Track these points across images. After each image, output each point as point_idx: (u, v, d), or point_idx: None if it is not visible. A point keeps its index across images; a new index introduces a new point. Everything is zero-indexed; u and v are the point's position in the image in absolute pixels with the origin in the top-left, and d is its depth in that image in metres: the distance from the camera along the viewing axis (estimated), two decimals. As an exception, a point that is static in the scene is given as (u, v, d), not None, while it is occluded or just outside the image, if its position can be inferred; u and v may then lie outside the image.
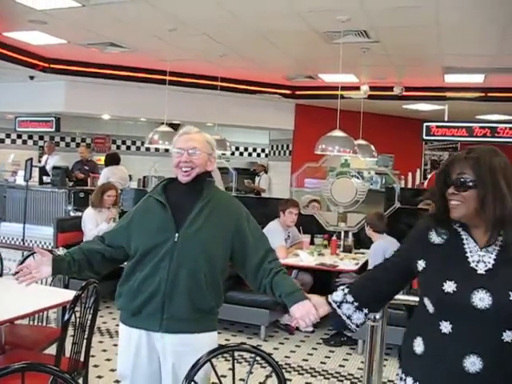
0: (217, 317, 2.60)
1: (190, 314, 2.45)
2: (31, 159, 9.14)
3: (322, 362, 5.03)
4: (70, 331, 3.13)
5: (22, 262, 4.16)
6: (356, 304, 2.14)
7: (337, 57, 6.60)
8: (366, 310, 2.16)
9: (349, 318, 2.15)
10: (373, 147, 8.51)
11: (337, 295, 2.18)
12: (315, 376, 4.70)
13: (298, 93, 10.63)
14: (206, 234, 2.49)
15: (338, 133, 6.07)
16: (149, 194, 2.66)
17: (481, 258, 1.81)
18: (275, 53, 7.72)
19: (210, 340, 2.50)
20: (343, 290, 2.18)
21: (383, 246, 5.47)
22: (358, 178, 6.90)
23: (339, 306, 2.15)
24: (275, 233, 5.85)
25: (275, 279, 2.51)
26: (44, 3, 5.77)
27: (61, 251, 4.59)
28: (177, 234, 2.46)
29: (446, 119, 9.90)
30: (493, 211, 1.73)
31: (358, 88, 8.68)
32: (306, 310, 2.33)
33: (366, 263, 5.59)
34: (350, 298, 2.15)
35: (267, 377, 2.26)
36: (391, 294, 2.26)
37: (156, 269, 2.45)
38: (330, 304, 2.19)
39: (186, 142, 2.56)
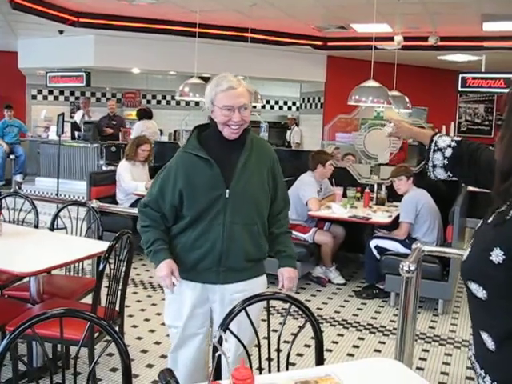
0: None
1: (246, 264, 2.54)
2: (63, 114, 9.19)
3: (354, 314, 5.04)
4: (105, 282, 3.17)
5: (56, 215, 4.23)
6: (446, 162, 2.02)
7: (370, 5, 6.39)
8: (450, 174, 2.05)
9: (433, 166, 2.05)
10: (407, 98, 8.31)
11: (443, 140, 2.04)
12: (347, 328, 4.72)
13: (329, 44, 10.37)
14: (254, 187, 2.52)
15: (371, 83, 5.93)
16: (184, 150, 2.54)
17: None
18: (306, 1, 7.51)
19: (262, 283, 2.67)
20: (453, 140, 2.04)
21: (416, 198, 5.41)
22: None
23: (435, 151, 2.04)
24: (309, 185, 5.81)
25: (282, 237, 2.71)
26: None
27: (94, 203, 4.63)
28: (227, 190, 2.44)
29: (483, 70, 9.59)
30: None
31: (391, 38, 8.41)
32: (293, 276, 2.67)
33: (398, 216, 5.51)
34: (447, 153, 2.02)
35: (301, 327, 2.25)
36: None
37: (210, 226, 2.46)
38: (431, 141, 2.06)
39: (236, 98, 2.39)
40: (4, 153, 10.52)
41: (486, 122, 14.61)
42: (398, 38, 8.13)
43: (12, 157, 10.48)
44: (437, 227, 5.39)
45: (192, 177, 2.47)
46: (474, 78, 8.78)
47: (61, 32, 9.48)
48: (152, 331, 4.47)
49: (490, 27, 8.53)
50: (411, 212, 5.33)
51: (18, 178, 10.61)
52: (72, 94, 12.71)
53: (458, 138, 2.06)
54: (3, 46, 11.31)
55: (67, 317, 1.91)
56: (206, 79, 10.32)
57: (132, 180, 6.43)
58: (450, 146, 2.01)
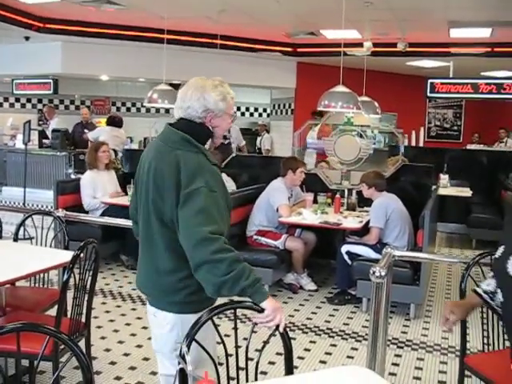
0: None
1: None
2: (29, 122, 9.00)
3: (326, 321, 5.01)
4: (73, 293, 3.08)
5: (20, 225, 4.12)
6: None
7: (339, 11, 6.40)
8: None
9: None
10: (376, 104, 8.35)
11: (488, 284, 2.08)
12: (319, 334, 4.68)
13: (299, 50, 10.41)
14: None
15: (341, 88, 5.93)
16: (212, 162, 2.25)
17: None
18: (275, 7, 7.50)
19: None
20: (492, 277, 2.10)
21: (385, 203, 5.42)
22: (361, 135, 6.78)
23: (492, 298, 2.08)
24: (279, 191, 5.78)
25: None
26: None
27: (60, 212, 4.51)
28: None
29: (450, 76, 9.70)
30: None
31: (360, 45, 8.47)
32: None
33: (369, 221, 5.51)
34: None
35: (271, 335, 2.20)
36: None
37: None
38: (480, 296, 2.11)
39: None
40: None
41: (455, 127, 14.83)
42: (368, 43, 8.19)
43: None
44: (407, 232, 5.40)
45: (222, 192, 2.26)
46: (442, 84, 8.86)
47: (27, 38, 9.33)
48: (121, 342, 4.37)
49: (456, 34, 8.66)
50: (381, 217, 5.34)
51: None
52: (40, 101, 12.52)
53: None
54: (-33, 53, 11.08)
55: (25, 331, 1.82)
56: (176, 86, 10.28)
57: (92, 194, 6.36)
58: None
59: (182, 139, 2.22)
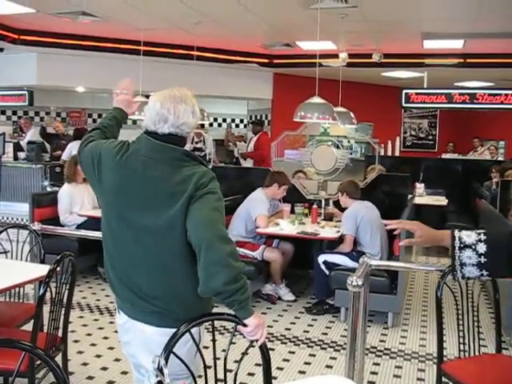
0: None
1: None
2: (3, 134, 8.94)
3: (304, 331, 5.02)
4: (49, 307, 3.05)
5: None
6: (483, 260, 1.84)
7: (314, 23, 6.47)
8: (486, 273, 1.86)
9: (461, 265, 1.86)
10: (352, 114, 8.44)
11: (468, 235, 1.86)
12: (298, 344, 4.69)
13: (275, 61, 10.49)
14: None
15: (316, 99, 5.98)
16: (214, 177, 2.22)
17: None
18: (251, 19, 7.55)
19: None
20: (479, 234, 1.87)
21: (356, 209, 5.50)
22: (337, 146, 6.84)
23: (461, 249, 1.85)
24: (260, 202, 5.79)
25: None
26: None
27: (36, 226, 4.46)
28: None
29: (425, 86, 9.85)
30: None
31: (336, 56, 8.57)
32: None
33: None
34: (481, 249, 1.85)
35: (249, 347, 2.21)
36: None
37: None
38: (453, 238, 1.88)
39: None
40: None
41: (430, 137, 15.04)
42: (343, 55, 8.29)
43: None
44: (379, 237, 5.43)
45: None
46: (417, 94, 8.99)
47: (1, 50, 9.25)
48: (98, 356, 4.32)
49: (430, 45, 8.80)
50: (351, 225, 5.42)
51: None
52: (14, 113, 12.39)
53: (483, 230, 1.89)
54: None
55: (0, 347, 1.80)
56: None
57: (69, 208, 6.35)
58: (480, 240, 1.85)
59: (184, 155, 2.18)
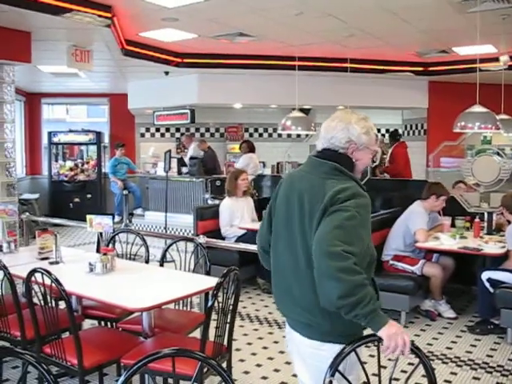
0: None
1: None
2: (169, 151, 9.62)
3: (467, 351, 4.79)
4: (213, 315, 3.24)
5: (166, 250, 4.41)
6: None
7: (472, 27, 6.21)
8: None
9: None
10: (517, 121, 7.91)
11: None
12: (460, 366, 4.49)
13: (430, 69, 10.15)
14: None
15: (478, 108, 5.71)
16: (366, 195, 2.24)
17: None
18: (405, 28, 7.40)
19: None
20: None
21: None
22: (500, 155, 6.47)
23: None
24: (419, 215, 5.67)
25: None
26: (174, 1, 5.97)
27: (201, 239, 4.76)
28: None
29: None
30: None
31: (496, 59, 8.10)
32: None
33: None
34: None
35: (413, 365, 2.18)
36: None
37: None
38: None
39: None
40: (120, 189, 11.17)
41: None
42: (504, 57, 7.82)
43: (125, 192, 10.95)
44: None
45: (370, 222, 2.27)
46: None
47: (166, 73, 9.96)
48: (259, 365, 4.49)
49: None
50: None
51: (139, 211, 11.43)
52: (177, 130, 13.23)
53: None
54: (115, 89, 12.06)
55: (179, 356, 1.97)
56: (307, 111, 10.46)
57: (229, 222, 6.66)
58: None
59: (333, 169, 2.25)
